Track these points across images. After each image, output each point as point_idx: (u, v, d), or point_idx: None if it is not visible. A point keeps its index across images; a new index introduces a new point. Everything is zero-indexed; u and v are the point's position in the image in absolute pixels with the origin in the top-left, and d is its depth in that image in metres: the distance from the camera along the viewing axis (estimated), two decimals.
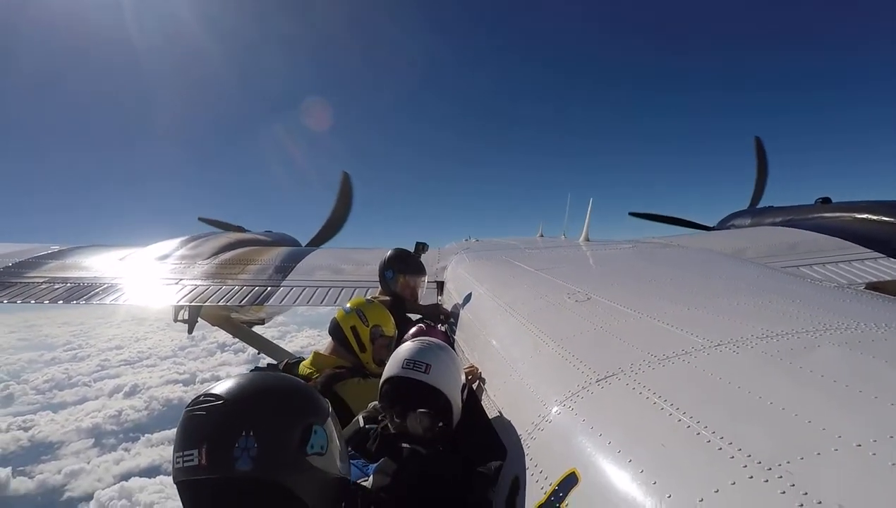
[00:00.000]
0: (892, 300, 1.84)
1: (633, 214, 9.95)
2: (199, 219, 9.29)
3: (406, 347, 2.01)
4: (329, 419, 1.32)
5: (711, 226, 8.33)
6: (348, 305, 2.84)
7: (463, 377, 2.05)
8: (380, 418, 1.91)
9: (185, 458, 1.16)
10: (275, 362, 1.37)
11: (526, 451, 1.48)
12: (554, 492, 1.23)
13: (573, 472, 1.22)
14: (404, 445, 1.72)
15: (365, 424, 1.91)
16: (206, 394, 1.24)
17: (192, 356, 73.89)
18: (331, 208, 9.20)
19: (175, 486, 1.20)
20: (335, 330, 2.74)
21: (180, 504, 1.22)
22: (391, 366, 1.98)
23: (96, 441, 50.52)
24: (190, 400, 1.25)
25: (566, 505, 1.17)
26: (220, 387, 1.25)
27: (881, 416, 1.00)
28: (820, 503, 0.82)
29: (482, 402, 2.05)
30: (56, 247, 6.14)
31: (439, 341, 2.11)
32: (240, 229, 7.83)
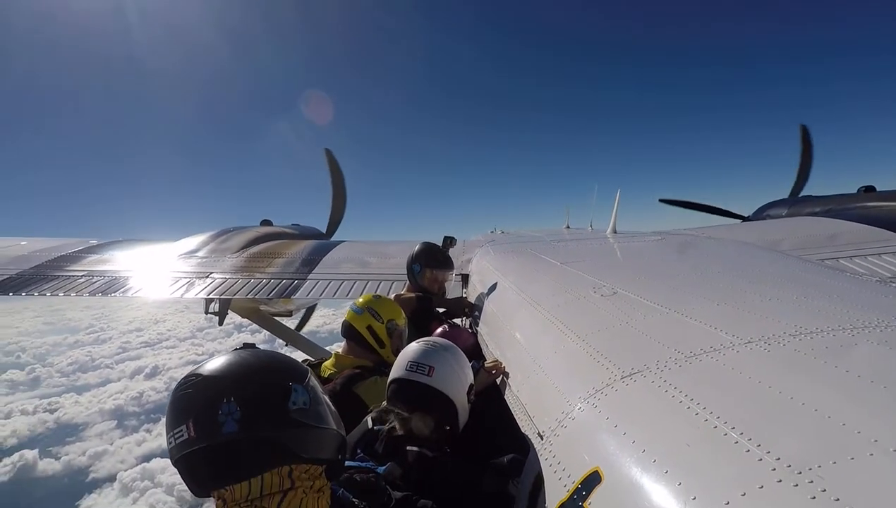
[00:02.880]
0: None
1: (663, 201, 9.61)
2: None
3: (411, 348, 2.02)
4: (309, 380, 1.35)
5: (747, 215, 8.04)
6: (356, 305, 2.82)
7: (470, 377, 2.04)
8: (387, 419, 1.92)
9: (175, 436, 1.21)
10: (252, 342, 1.42)
11: (549, 448, 1.47)
12: (577, 490, 1.22)
13: (596, 471, 1.20)
14: (410, 448, 1.72)
15: (373, 425, 1.92)
16: (188, 376, 1.29)
17: (210, 337, 74.78)
18: (329, 192, 9.30)
19: (175, 468, 1.24)
20: (350, 331, 2.73)
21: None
22: (397, 367, 1.99)
23: (119, 423, 52.06)
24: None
25: (589, 504, 1.16)
26: (201, 367, 1.31)
27: None
28: None
29: (506, 397, 2.04)
30: (94, 242, 6.38)
31: (446, 342, 2.10)
32: (267, 223, 7.99)
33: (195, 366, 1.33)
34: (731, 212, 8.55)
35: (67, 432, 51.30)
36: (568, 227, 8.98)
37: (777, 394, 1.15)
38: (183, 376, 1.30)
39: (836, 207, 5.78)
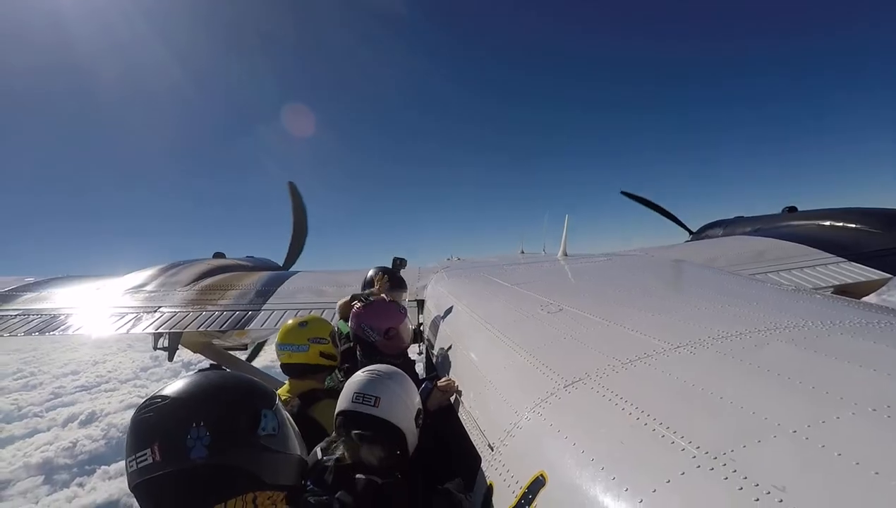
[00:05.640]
0: (838, 299, 1.94)
1: (624, 193, 9.85)
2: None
3: (356, 378, 2.02)
4: (277, 405, 1.35)
5: (694, 230, 8.48)
6: (292, 344, 2.65)
7: (418, 402, 2.06)
8: (336, 448, 1.92)
9: (138, 459, 1.16)
10: (216, 363, 1.38)
11: (499, 458, 1.52)
12: (524, 495, 1.28)
13: (541, 474, 1.27)
14: (359, 476, 1.72)
15: (322, 456, 1.91)
16: (152, 397, 1.25)
17: (156, 377, 67.77)
18: (290, 223, 9.26)
19: (132, 494, 1.20)
20: (305, 369, 2.64)
21: None
22: (343, 398, 1.98)
23: (47, 478, 46.13)
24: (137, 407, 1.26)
25: (535, 507, 1.22)
26: (166, 389, 1.28)
27: (815, 404, 1.08)
28: (757, 485, 0.89)
29: (459, 414, 2.08)
30: (31, 279, 6.05)
31: (392, 370, 2.10)
32: (220, 255, 7.80)
33: (158, 388, 1.30)
34: (681, 223, 8.97)
35: None
36: (523, 252, 9.22)
37: (700, 391, 1.26)
38: (146, 398, 1.27)
39: (764, 226, 6.23)
